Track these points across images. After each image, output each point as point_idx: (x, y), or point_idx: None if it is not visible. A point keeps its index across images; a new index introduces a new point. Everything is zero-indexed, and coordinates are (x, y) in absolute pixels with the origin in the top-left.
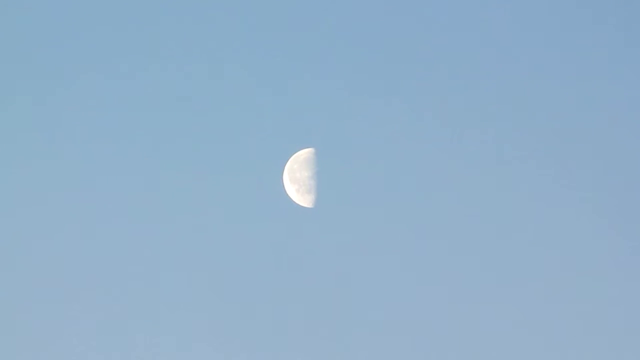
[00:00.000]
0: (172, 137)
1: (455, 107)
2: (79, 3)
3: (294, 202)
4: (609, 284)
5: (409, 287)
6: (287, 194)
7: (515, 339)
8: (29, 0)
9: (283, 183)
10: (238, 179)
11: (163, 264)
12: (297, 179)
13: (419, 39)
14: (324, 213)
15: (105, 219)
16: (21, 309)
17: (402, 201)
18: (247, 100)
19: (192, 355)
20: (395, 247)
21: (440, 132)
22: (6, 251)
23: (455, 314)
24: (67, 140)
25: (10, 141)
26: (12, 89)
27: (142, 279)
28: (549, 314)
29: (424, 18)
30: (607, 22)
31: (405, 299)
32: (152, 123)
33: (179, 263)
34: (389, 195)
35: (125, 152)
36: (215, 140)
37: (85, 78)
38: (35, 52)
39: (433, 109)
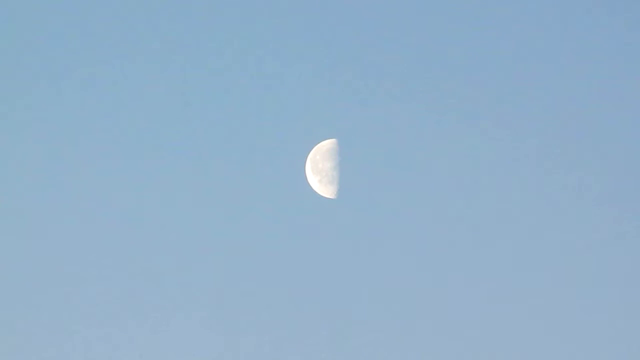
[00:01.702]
0: (197, 129)
1: (476, 103)
2: (81, 2)
3: (317, 192)
4: (610, 283)
5: (430, 279)
6: (310, 185)
7: (522, 339)
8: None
9: (305, 174)
10: (261, 170)
11: (183, 253)
12: (319, 170)
13: (441, 38)
14: (346, 204)
15: (124, 211)
16: (22, 308)
17: (424, 193)
18: (271, 91)
19: (213, 345)
20: (416, 238)
21: (462, 128)
22: (6, 250)
23: (474, 302)
24: (85, 137)
25: (10, 140)
26: (11, 88)
27: (160, 271)
28: (552, 313)
29: (447, 20)
30: (610, 21)
31: (425, 290)
32: (176, 114)
33: (200, 253)
34: (411, 186)
35: (148, 144)
36: (239, 130)
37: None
38: (35, 52)
39: (454, 105)
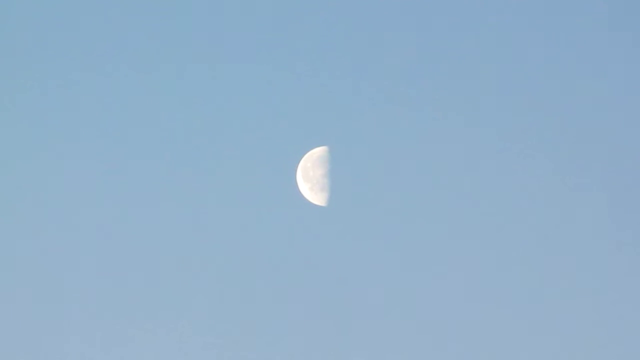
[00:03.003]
0: (186, 134)
1: (470, 107)
2: (80, 3)
3: (307, 200)
4: (611, 281)
5: (422, 286)
6: (301, 192)
7: (521, 339)
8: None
9: (296, 181)
10: (251, 177)
11: (175, 261)
12: (310, 177)
13: (435, 44)
14: (337, 211)
15: (116, 216)
16: (21, 309)
17: (415, 200)
18: (261, 98)
19: (203, 352)
20: (407, 245)
21: (455, 134)
22: (6, 250)
23: (467, 309)
24: (83, 137)
25: (8, 140)
26: (10, 88)
27: (151, 276)
28: (553, 313)
29: (438, 20)
30: (610, 20)
31: (417, 297)
32: (165, 120)
33: (191, 260)
34: (402, 193)
35: (138, 150)
36: (229, 137)
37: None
38: (34, 51)
39: (447, 111)
